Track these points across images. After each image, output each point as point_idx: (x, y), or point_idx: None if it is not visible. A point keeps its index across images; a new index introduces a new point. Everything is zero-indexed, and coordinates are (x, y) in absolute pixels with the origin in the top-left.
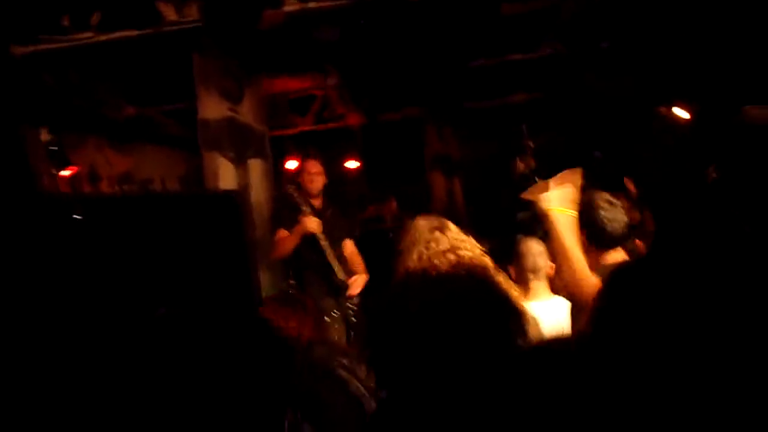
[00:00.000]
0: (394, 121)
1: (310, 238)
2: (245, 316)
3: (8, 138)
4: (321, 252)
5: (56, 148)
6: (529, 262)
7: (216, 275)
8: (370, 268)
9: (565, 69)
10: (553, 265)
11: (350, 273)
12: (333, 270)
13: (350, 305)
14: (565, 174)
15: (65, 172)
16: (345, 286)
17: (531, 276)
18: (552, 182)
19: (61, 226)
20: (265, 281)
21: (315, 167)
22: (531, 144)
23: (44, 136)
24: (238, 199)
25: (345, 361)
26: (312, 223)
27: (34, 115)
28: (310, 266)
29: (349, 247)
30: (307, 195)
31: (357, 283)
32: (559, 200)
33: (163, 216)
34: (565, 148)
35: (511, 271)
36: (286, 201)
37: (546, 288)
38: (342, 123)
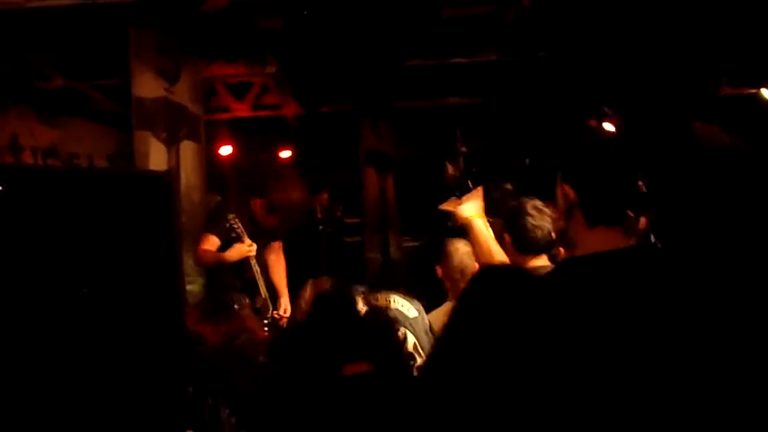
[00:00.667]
0: (331, 113)
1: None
2: (169, 303)
3: None
4: (248, 270)
5: None
6: (457, 262)
7: (142, 258)
8: (299, 262)
9: (502, 75)
10: (478, 266)
11: (269, 284)
12: (258, 289)
13: (267, 320)
14: (472, 192)
15: None
16: (267, 306)
17: (458, 276)
18: (464, 197)
19: None
20: (187, 267)
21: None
22: (463, 149)
23: None
24: (169, 180)
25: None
26: (250, 251)
27: None
28: (235, 279)
29: (274, 251)
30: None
31: (285, 315)
32: (474, 209)
33: (90, 193)
34: (497, 154)
35: (439, 271)
36: (224, 221)
37: None
38: (278, 112)
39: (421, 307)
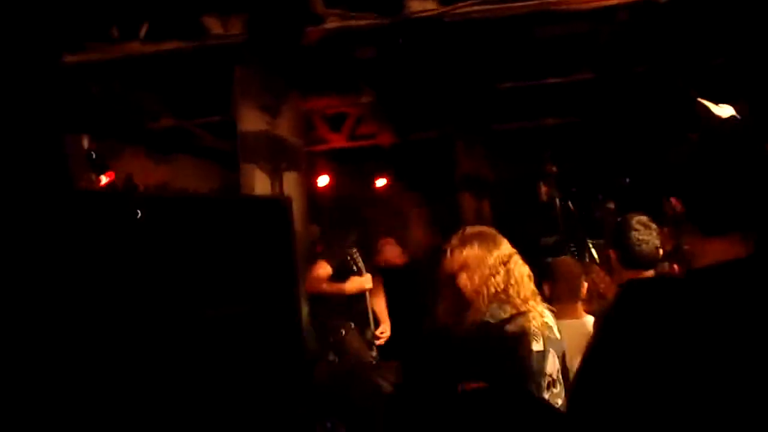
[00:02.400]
0: (425, 139)
1: None
2: (288, 325)
3: (51, 143)
4: (362, 302)
5: (96, 155)
6: (566, 281)
7: (263, 280)
8: (392, 291)
9: (598, 94)
10: (586, 285)
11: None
12: (368, 320)
13: (374, 352)
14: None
15: (104, 178)
16: (374, 338)
17: (566, 295)
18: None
19: (121, 222)
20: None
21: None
22: (554, 169)
23: (85, 143)
24: (286, 204)
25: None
26: (366, 284)
27: (77, 123)
28: (344, 308)
29: (377, 283)
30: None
31: (383, 337)
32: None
33: (215, 218)
34: (597, 173)
35: (546, 289)
36: (342, 252)
37: (579, 307)
38: (373, 141)
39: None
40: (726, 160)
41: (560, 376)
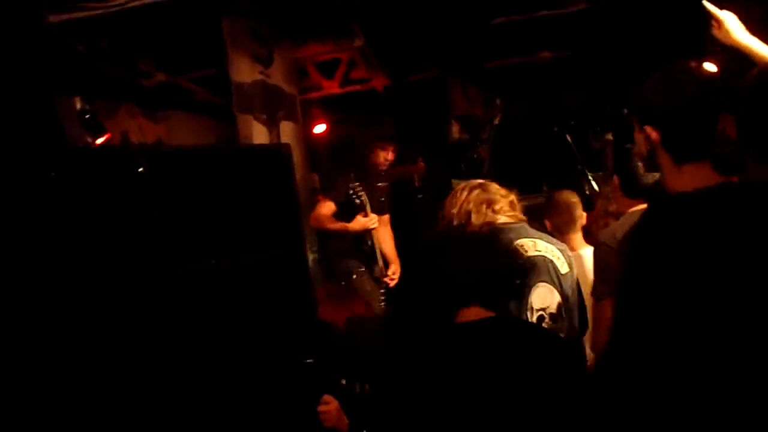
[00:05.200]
0: (419, 81)
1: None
2: (295, 270)
3: (43, 106)
4: (367, 241)
5: (90, 116)
6: (562, 213)
7: (268, 227)
8: (399, 229)
9: (592, 25)
10: (585, 215)
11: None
12: (376, 259)
13: (383, 289)
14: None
15: (100, 140)
16: (383, 275)
17: (565, 227)
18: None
19: (125, 178)
20: None
21: (391, 154)
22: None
23: (78, 104)
24: (288, 152)
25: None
26: (372, 224)
27: (67, 84)
28: (352, 249)
29: (384, 223)
30: (372, 179)
31: (394, 278)
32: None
33: (219, 169)
34: (594, 105)
35: (548, 224)
36: (345, 188)
37: (581, 238)
38: (368, 85)
39: (573, 260)
40: (694, 93)
41: (562, 311)
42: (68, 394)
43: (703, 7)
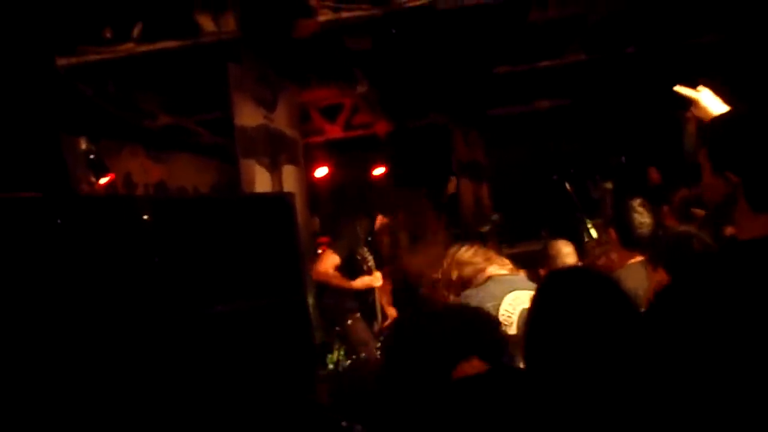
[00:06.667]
0: (421, 127)
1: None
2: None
3: (49, 147)
4: (370, 295)
5: (94, 156)
6: (559, 263)
7: (271, 274)
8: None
9: (591, 76)
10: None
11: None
12: (376, 315)
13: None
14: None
15: (103, 180)
16: (382, 331)
17: None
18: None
19: (129, 226)
20: None
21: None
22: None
23: (83, 145)
24: (290, 200)
25: None
26: (375, 282)
27: (73, 125)
28: (354, 302)
29: (384, 274)
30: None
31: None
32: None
33: (221, 217)
34: (590, 154)
35: (542, 273)
36: (354, 247)
37: None
38: (370, 130)
39: None
40: None
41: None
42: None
43: (676, 92)
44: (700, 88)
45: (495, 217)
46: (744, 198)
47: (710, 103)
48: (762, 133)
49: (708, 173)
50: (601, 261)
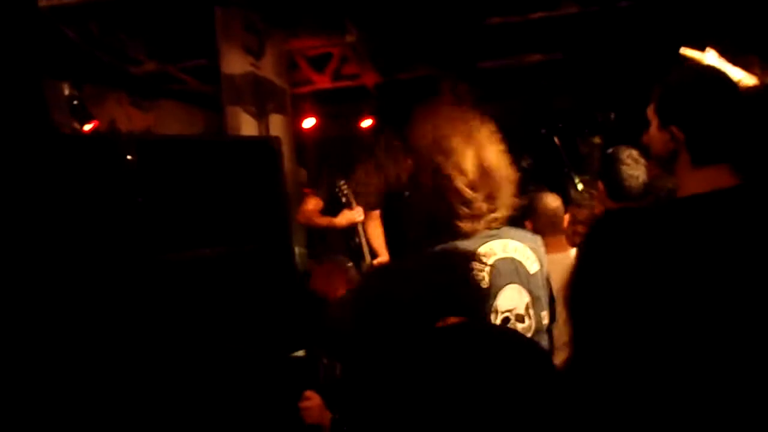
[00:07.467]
0: (410, 79)
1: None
2: (281, 262)
3: (31, 91)
4: (355, 237)
5: (78, 102)
6: (545, 215)
7: (255, 218)
8: (388, 228)
9: (584, 29)
10: (568, 217)
11: (371, 251)
12: (363, 255)
13: None
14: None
15: (87, 126)
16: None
17: (548, 229)
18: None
19: (112, 165)
20: None
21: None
22: None
23: (66, 90)
24: (276, 144)
25: None
26: (359, 218)
27: (56, 69)
28: (342, 244)
29: (373, 218)
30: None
31: None
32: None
33: (207, 159)
34: (580, 108)
35: (528, 225)
36: (332, 185)
37: (563, 240)
38: (359, 81)
39: (544, 257)
40: (723, 92)
41: (530, 311)
42: (47, 378)
43: (682, 55)
44: (708, 49)
45: (525, 163)
46: (686, 151)
47: (714, 62)
48: (709, 92)
49: (654, 128)
50: (584, 213)
